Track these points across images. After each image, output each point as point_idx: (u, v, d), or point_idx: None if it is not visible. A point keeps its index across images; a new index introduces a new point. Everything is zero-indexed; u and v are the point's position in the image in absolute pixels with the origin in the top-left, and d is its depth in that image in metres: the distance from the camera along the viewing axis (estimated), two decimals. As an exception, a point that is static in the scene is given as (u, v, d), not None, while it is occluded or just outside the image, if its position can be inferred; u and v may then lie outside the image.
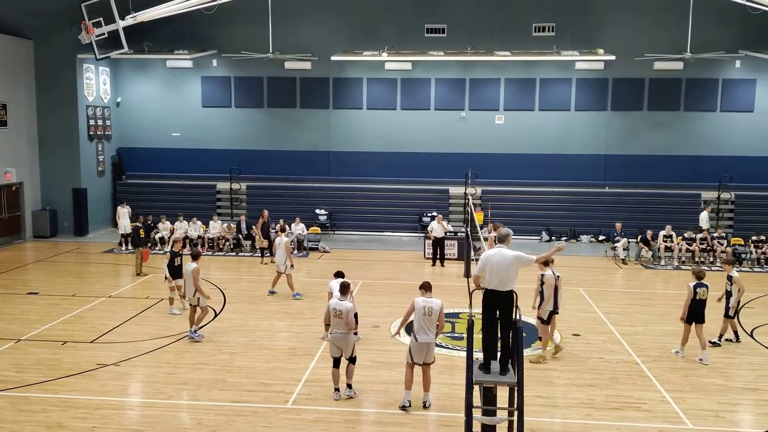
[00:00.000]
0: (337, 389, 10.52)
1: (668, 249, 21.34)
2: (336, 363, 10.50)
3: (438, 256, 21.04)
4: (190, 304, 13.33)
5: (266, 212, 21.60)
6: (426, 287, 10.33)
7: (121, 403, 10.35)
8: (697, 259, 21.31)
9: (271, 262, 19.81)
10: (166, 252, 14.75)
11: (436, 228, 21.08)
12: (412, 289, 10.90)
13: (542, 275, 12.25)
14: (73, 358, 12.15)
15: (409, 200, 26.27)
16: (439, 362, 12.02)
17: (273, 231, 20.99)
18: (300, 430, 9.44)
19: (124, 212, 22.74)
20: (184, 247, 15.68)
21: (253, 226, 22.24)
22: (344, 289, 10.86)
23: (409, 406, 10.06)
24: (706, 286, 12.13)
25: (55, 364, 11.85)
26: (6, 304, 15.84)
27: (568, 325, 14.35)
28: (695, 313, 12.13)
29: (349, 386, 10.54)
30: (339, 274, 12.97)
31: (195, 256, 13.55)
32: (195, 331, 13.14)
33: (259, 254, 21.43)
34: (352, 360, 10.52)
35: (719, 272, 20.16)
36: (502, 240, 8.56)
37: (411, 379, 10.11)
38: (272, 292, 16.82)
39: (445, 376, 11.35)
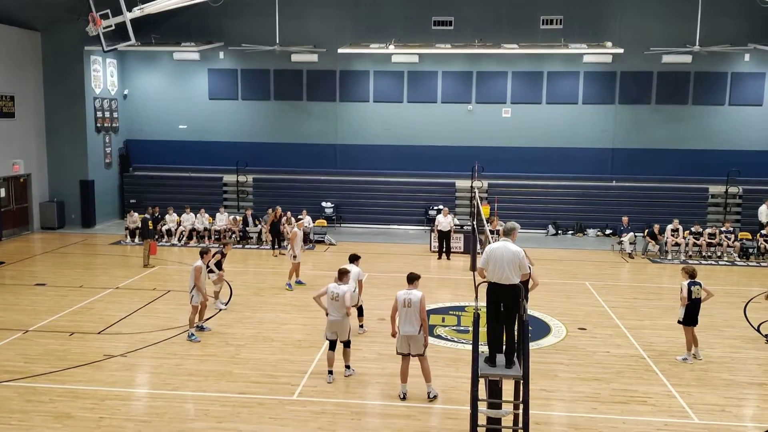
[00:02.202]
0: (330, 372, 10.83)
1: (675, 243, 21.27)
2: (332, 345, 10.87)
3: (444, 250, 21.02)
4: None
5: (279, 209, 21.65)
6: (409, 279, 10.43)
7: (128, 393, 10.41)
8: (704, 253, 21.24)
9: (281, 254, 20.50)
10: (215, 254, 14.71)
11: (443, 221, 21.08)
12: (417, 282, 10.89)
13: None
14: (80, 348, 12.23)
15: (415, 193, 26.26)
16: (445, 355, 12.07)
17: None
18: (306, 422, 9.47)
19: (134, 219, 22.60)
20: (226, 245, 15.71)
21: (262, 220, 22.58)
22: (341, 274, 11.10)
23: (404, 398, 10.17)
24: (700, 284, 12.01)
25: (62, 354, 11.92)
26: (14, 295, 15.93)
27: (575, 319, 14.36)
28: (691, 313, 11.86)
29: (347, 366, 10.93)
30: (354, 257, 13.18)
31: (202, 254, 13.19)
32: (192, 334, 12.81)
33: (270, 246, 21.56)
34: (346, 344, 10.90)
35: (727, 266, 20.24)
36: (507, 234, 8.53)
37: (405, 372, 10.22)
38: (299, 282, 16.99)
39: (451, 369, 11.36)
